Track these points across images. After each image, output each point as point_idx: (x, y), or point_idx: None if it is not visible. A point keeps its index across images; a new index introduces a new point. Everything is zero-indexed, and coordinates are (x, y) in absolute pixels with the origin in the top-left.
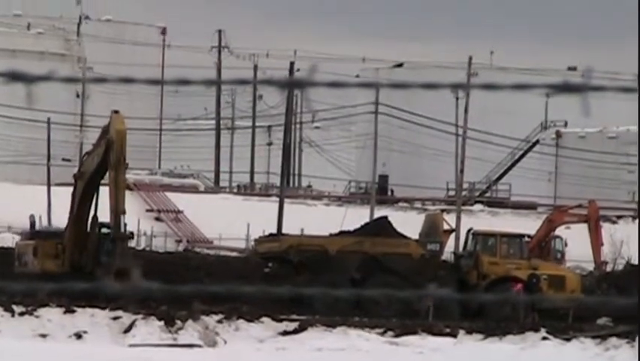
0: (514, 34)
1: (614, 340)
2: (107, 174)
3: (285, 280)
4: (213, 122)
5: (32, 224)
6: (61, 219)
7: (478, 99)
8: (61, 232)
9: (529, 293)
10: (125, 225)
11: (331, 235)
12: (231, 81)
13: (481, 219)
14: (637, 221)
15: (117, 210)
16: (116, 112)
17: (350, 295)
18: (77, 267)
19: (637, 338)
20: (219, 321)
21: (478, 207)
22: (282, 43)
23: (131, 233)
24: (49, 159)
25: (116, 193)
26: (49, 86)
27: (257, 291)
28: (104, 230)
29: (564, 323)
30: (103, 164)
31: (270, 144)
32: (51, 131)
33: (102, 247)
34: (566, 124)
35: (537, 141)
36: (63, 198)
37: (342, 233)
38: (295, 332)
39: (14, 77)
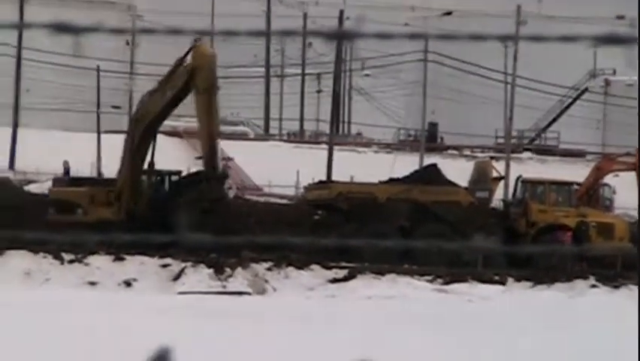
0: None
1: None
2: (195, 99)
3: (334, 228)
4: (263, 69)
5: (67, 170)
6: (108, 166)
7: (526, 47)
8: (103, 180)
9: (578, 241)
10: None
11: (380, 183)
12: (280, 32)
13: (530, 167)
14: None
15: (212, 135)
16: (197, 41)
17: (398, 245)
18: (132, 215)
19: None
20: (268, 269)
21: (526, 154)
22: None
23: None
24: (98, 107)
25: (208, 118)
26: (97, 34)
27: (305, 242)
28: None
29: (613, 271)
30: (177, 97)
31: (319, 91)
32: (100, 79)
33: (158, 195)
34: (614, 72)
35: (586, 89)
36: (111, 146)
37: (391, 180)
38: (344, 279)
39: (61, 28)
